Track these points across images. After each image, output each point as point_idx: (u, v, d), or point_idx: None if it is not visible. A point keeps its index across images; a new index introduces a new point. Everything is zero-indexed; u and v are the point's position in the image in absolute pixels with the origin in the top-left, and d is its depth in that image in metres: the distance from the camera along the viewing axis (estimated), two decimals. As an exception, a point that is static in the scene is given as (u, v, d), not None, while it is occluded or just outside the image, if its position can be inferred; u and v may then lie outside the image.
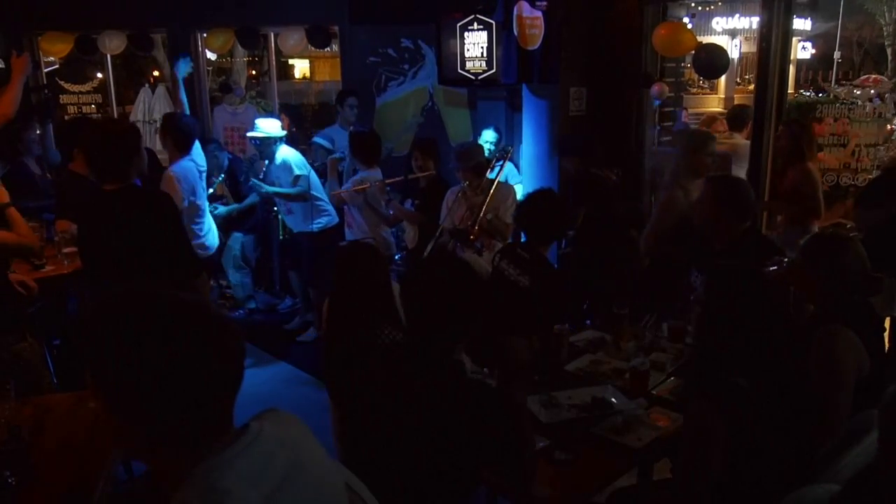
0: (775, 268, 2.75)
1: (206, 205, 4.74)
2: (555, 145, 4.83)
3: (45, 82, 7.81)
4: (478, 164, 4.43)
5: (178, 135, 4.50)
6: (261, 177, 5.34)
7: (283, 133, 5.37)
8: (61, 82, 7.96)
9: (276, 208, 5.89)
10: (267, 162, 5.28)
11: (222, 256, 5.86)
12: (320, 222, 5.31)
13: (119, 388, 1.07)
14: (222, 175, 5.83)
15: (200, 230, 4.59)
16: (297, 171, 5.18)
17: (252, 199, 5.91)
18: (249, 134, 5.42)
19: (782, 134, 4.59)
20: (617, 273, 4.20)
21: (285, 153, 5.26)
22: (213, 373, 1.10)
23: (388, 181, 4.89)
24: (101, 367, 1.08)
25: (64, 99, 7.91)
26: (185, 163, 4.49)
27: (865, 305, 2.52)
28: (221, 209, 5.71)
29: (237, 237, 5.99)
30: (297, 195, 5.23)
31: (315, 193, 5.26)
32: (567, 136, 4.82)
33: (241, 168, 6.05)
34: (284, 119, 7.35)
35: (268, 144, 5.25)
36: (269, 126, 5.30)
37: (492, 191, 4.25)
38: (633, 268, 4.19)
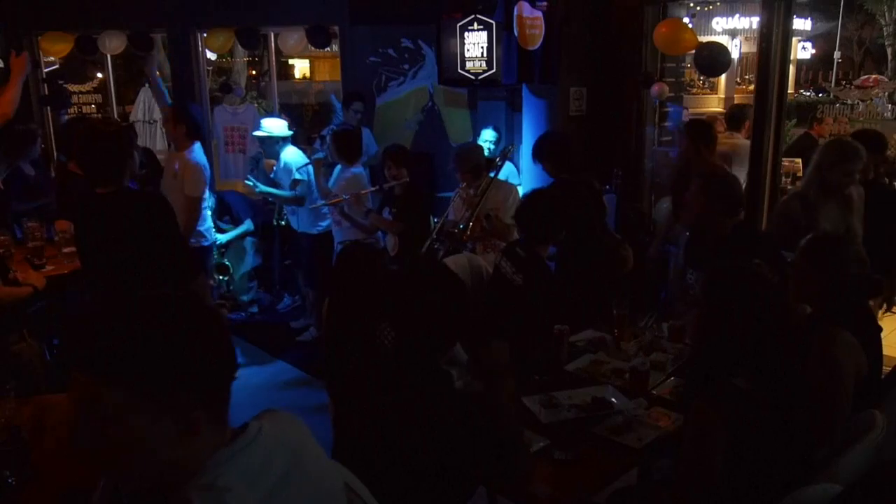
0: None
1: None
2: (534, 149, 4.70)
3: (44, 77, 7.84)
4: (475, 165, 4.41)
5: (192, 122, 4.54)
6: (272, 176, 5.36)
7: (288, 133, 5.37)
8: (61, 82, 7.97)
9: (274, 208, 5.93)
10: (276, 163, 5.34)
11: (234, 261, 5.91)
12: (321, 225, 5.31)
13: (127, 378, 1.07)
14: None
15: (205, 218, 4.65)
16: (295, 175, 5.17)
17: (247, 225, 6.00)
18: (254, 133, 5.43)
19: (682, 141, 4.42)
20: (592, 280, 4.16)
21: (288, 155, 5.26)
22: (212, 362, 1.11)
23: (362, 192, 4.84)
24: (109, 362, 1.08)
25: (64, 99, 7.93)
26: (201, 155, 4.54)
27: (863, 307, 2.52)
28: (221, 238, 5.74)
29: (250, 241, 6.05)
30: (292, 199, 5.24)
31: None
32: (539, 138, 4.73)
33: (231, 200, 6.10)
34: (284, 119, 7.38)
35: (270, 144, 5.26)
36: (272, 126, 5.31)
37: (487, 191, 4.24)
38: (612, 275, 4.13)
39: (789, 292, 2.54)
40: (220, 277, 5.83)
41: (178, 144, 4.55)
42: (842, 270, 2.41)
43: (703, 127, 4.58)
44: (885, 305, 5.15)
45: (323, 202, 4.89)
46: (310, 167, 5.17)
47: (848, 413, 2.26)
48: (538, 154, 4.47)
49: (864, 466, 1.95)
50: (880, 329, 2.58)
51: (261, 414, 1.21)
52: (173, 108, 4.75)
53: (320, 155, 4.97)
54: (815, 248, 2.52)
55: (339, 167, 5.07)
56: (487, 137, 5.48)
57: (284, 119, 5.63)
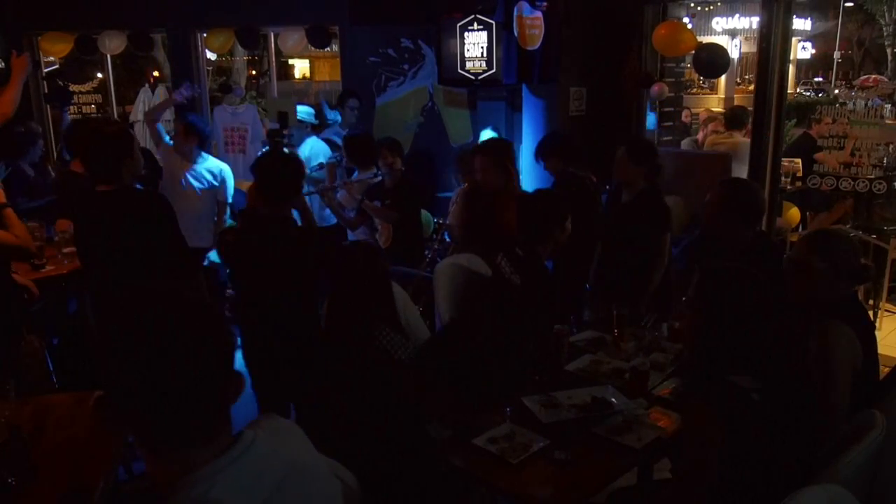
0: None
1: None
2: (540, 146, 4.77)
3: (44, 76, 7.84)
4: None
5: (203, 135, 4.90)
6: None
7: (314, 122, 5.69)
8: (61, 82, 7.97)
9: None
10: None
11: None
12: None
13: (107, 390, 1.07)
14: None
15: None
16: (321, 160, 5.34)
17: None
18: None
19: (483, 165, 3.90)
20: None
21: (311, 143, 5.47)
22: (195, 378, 1.07)
23: (355, 181, 4.91)
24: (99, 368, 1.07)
25: (64, 98, 7.92)
26: (215, 161, 4.92)
27: (854, 298, 2.54)
28: None
29: None
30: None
31: None
32: (547, 136, 4.80)
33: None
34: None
35: (299, 128, 5.49)
36: (302, 110, 5.62)
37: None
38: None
39: (787, 289, 2.55)
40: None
41: (189, 157, 4.81)
42: (837, 261, 2.45)
43: (505, 146, 4.16)
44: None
45: (313, 189, 4.93)
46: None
47: (846, 405, 2.27)
48: (540, 152, 4.55)
49: (864, 466, 1.95)
50: (872, 321, 2.60)
51: (257, 420, 1.19)
52: (184, 123, 4.91)
53: (334, 159, 5.02)
54: (809, 242, 2.56)
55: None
56: (486, 138, 5.48)
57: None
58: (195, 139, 4.76)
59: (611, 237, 4.07)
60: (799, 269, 2.52)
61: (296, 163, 3.50)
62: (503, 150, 4.04)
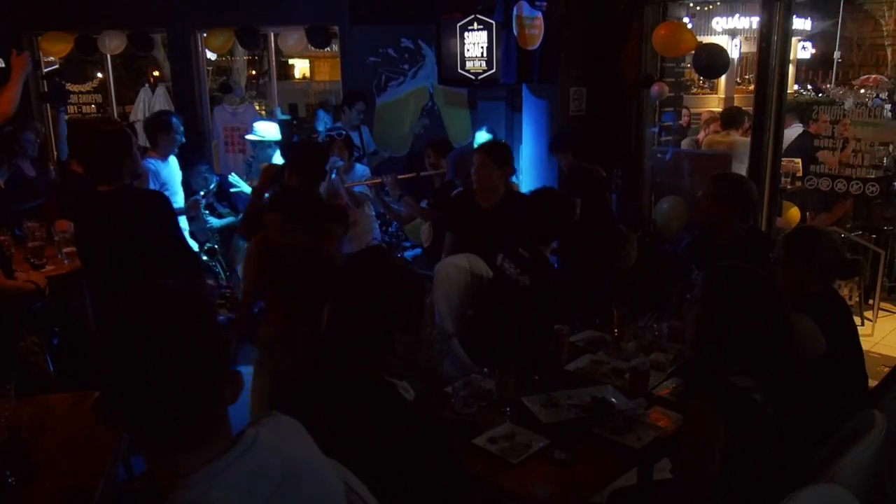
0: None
1: None
2: (554, 142, 4.85)
3: (44, 76, 7.83)
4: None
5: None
6: None
7: (278, 138, 5.55)
8: (58, 79, 7.95)
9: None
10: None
11: (233, 256, 5.90)
12: None
13: (102, 390, 1.08)
14: (201, 192, 5.76)
15: None
16: None
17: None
18: (247, 137, 5.52)
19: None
20: (606, 269, 4.18)
21: (279, 158, 5.36)
22: (190, 379, 1.07)
23: (400, 177, 4.89)
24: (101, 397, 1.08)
25: (64, 99, 7.90)
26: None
27: (827, 292, 2.60)
28: (215, 221, 5.73)
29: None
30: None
31: None
32: (560, 131, 4.86)
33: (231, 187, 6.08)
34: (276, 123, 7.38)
35: (262, 147, 5.43)
36: (264, 129, 5.46)
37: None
38: (622, 264, 4.14)
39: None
40: (209, 260, 5.78)
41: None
42: (818, 258, 2.53)
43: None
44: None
45: (357, 182, 4.90)
46: None
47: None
48: (555, 147, 4.59)
49: (864, 466, 1.95)
50: (847, 305, 2.74)
51: (260, 419, 1.18)
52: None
53: (340, 163, 5.02)
54: (792, 240, 2.64)
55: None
56: (480, 140, 5.49)
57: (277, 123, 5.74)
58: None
59: (474, 248, 3.81)
60: (782, 268, 2.59)
61: (322, 146, 4.00)
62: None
